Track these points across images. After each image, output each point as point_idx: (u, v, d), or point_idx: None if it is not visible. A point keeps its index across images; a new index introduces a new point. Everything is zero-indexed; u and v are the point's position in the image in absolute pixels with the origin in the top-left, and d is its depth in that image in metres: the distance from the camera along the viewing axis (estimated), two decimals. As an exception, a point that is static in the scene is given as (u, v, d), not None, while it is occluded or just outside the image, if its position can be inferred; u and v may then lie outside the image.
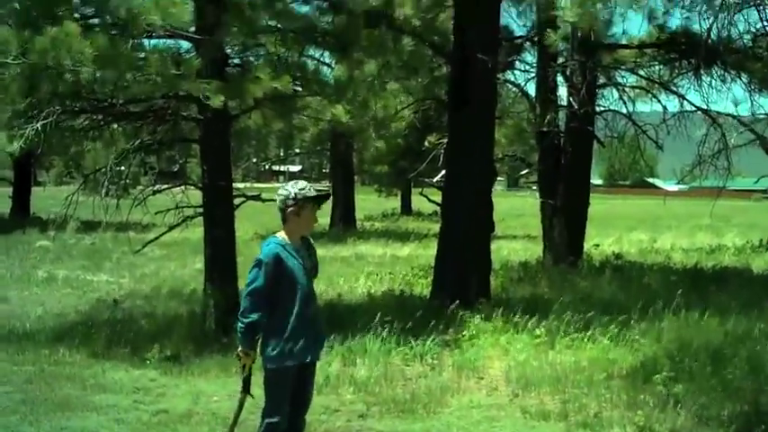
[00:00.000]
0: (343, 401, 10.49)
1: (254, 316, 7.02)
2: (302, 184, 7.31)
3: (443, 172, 20.50)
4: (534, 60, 23.70)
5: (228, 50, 14.06)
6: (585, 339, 12.64)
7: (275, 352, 7.12)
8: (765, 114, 23.87)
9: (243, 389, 7.39)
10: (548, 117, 22.59)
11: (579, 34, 18.33)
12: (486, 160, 16.83)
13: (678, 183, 61.84)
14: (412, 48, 17.65)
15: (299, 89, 14.50)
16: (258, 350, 7.25)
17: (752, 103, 23.77)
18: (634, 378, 10.90)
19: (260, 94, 12.75)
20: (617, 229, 37.72)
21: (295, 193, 7.18)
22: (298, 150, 68.19)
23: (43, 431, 9.22)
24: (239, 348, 7.20)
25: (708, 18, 18.91)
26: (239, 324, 7.09)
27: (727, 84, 21.31)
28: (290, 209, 7.18)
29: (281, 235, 7.26)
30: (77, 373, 11.83)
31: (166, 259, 24.94)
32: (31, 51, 11.07)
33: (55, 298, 18.30)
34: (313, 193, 7.22)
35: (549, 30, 15.44)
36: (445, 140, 19.37)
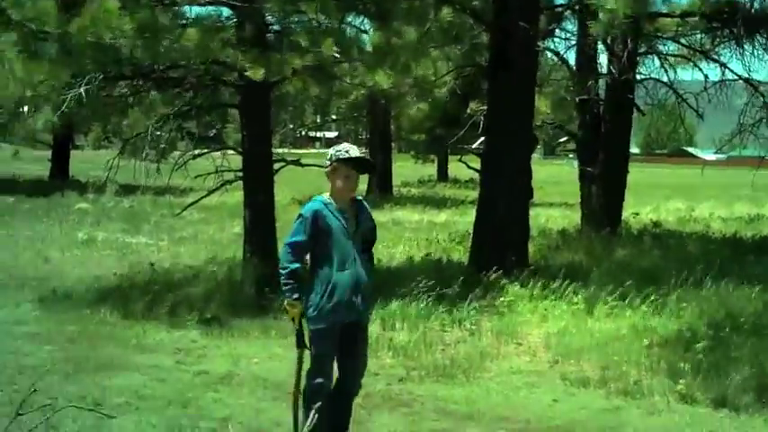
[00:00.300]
0: (382, 365, 10.54)
1: (292, 266, 7.13)
2: (342, 146, 7.35)
3: (482, 139, 20.38)
4: (575, 28, 23.55)
5: (269, 17, 14.07)
6: (625, 307, 12.61)
7: (315, 312, 7.17)
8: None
9: (297, 343, 7.34)
10: (588, 85, 22.47)
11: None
12: (526, 128, 16.77)
13: (716, 152, 61.33)
14: (452, 15, 17.55)
15: (338, 56, 14.53)
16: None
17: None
18: (674, 346, 10.88)
19: (299, 65, 12.78)
20: (654, 197, 37.60)
21: (331, 155, 7.27)
22: (334, 117, 68.27)
23: (87, 390, 9.30)
24: (285, 301, 7.24)
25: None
26: (280, 276, 7.18)
27: (769, 53, 21.12)
28: (327, 169, 7.27)
29: (326, 194, 7.31)
30: (119, 333, 11.99)
31: (204, 223, 25.05)
32: (72, 32, 11.14)
33: (95, 259, 18.47)
34: (345, 156, 7.19)
35: (590, 22, 15.24)
36: (485, 107, 19.26)
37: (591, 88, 22.63)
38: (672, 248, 19.03)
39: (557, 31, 23.53)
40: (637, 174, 31.03)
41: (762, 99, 23.02)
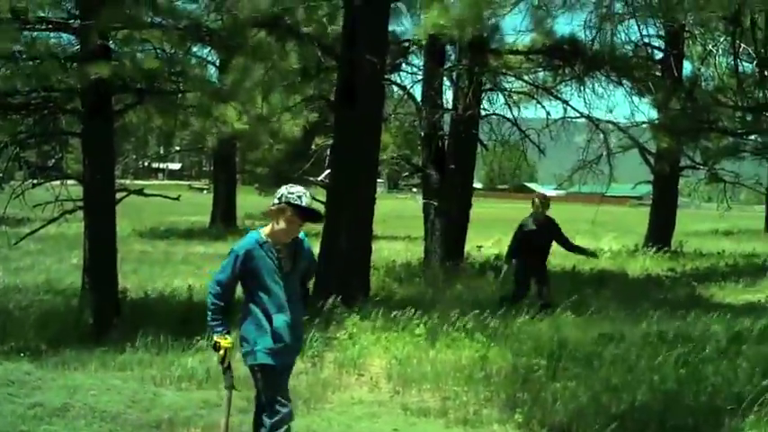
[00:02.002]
0: (223, 396, 10.40)
1: (220, 303, 7.01)
2: (296, 189, 7.05)
3: (328, 171, 20.46)
4: (421, 63, 23.85)
5: (112, 44, 13.90)
6: (465, 338, 12.74)
7: (261, 349, 7.04)
8: (645, 121, 24.51)
9: (226, 384, 7.22)
10: (433, 120, 22.74)
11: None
12: (372, 161, 16.89)
13: (556, 188, 62.88)
14: (300, 49, 17.62)
15: (182, 85, 14.46)
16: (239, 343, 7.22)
17: (632, 111, 24.52)
18: (513, 376, 11.03)
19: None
20: (496, 231, 38.08)
21: (282, 194, 6.99)
22: (178, 148, 67.61)
23: None
24: (214, 337, 7.09)
25: (592, 27, 19.37)
26: (208, 311, 7.07)
27: (608, 90, 21.83)
28: (273, 207, 7.02)
29: (264, 231, 7.13)
30: (-52, 366, 11.55)
31: (42, 254, 24.44)
32: None
33: None
34: (296, 201, 6.93)
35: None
36: (331, 140, 19.36)
37: (436, 123, 22.91)
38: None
39: (403, 65, 23.84)
40: (480, 208, 31.50)
41: (603, 136, 23.74)
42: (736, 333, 13.11)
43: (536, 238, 15.55)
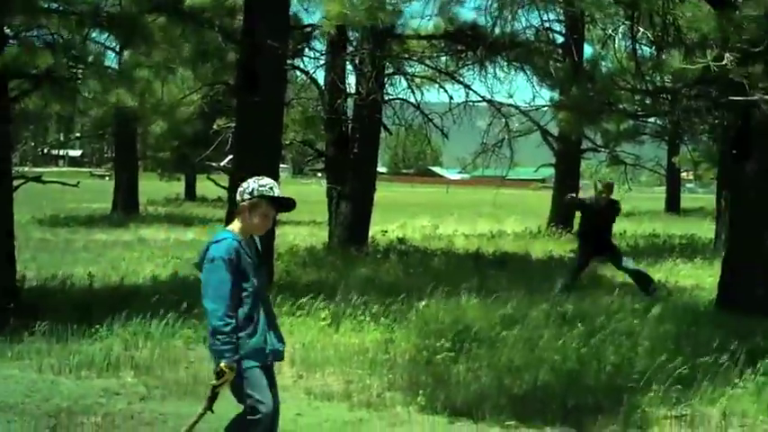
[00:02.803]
0: (123, 384, 10.30)
1: (233, 321, 6.44)
2: (266, 180, 6.71)
3: (230, 156, 20.34)
4: (324, 48, 23.79)
5: (7, 30, 13.61)
6: (369, 322, 12.78)
7: (250, 351, 6.61)
8: (546, 105, 24.80)
9: (206, 405, 6.72)
10: (336, 104, 22.72)
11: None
12: (275, 146, 16.81)
13: (460, 172, 63.44)
14: (201, 33, 17.46)
15: (81, 71, 14.21)
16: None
17: (533, 95, 24.87)
18: (416, 359, 11.08)
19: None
20: (401, 215, 38.27)
21: (253, 189, 6.65)
22: (79, 134, 66.69)
23: None
24: (222, 363, 6.44)
25: (493, 13, 19.47)
26: (218, 336, 6.42)
27: (509, 75, 22.01)
28: (244, 203, 6.67)
29: (234, 229, 6.76)
30: None
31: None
32: None
33: None
34: (270, 193, 6.64)
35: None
36: (233, 125, 19.22)
37: (339, 108, 22.89)
38: (416, 264, 19.45)
39: (306, 50, 23.76)
40: (384, 192, 31.62)
41: (504, 119, 23.94)
42: (636, 312, 13.37)
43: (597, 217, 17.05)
